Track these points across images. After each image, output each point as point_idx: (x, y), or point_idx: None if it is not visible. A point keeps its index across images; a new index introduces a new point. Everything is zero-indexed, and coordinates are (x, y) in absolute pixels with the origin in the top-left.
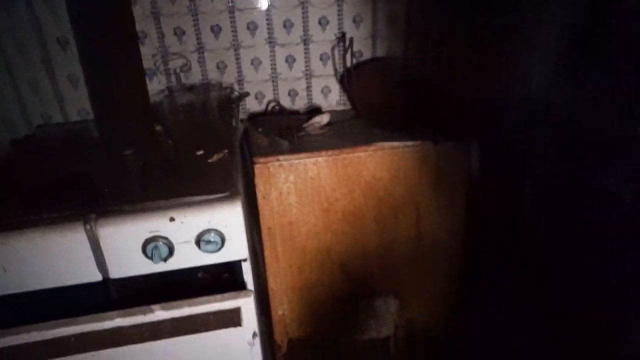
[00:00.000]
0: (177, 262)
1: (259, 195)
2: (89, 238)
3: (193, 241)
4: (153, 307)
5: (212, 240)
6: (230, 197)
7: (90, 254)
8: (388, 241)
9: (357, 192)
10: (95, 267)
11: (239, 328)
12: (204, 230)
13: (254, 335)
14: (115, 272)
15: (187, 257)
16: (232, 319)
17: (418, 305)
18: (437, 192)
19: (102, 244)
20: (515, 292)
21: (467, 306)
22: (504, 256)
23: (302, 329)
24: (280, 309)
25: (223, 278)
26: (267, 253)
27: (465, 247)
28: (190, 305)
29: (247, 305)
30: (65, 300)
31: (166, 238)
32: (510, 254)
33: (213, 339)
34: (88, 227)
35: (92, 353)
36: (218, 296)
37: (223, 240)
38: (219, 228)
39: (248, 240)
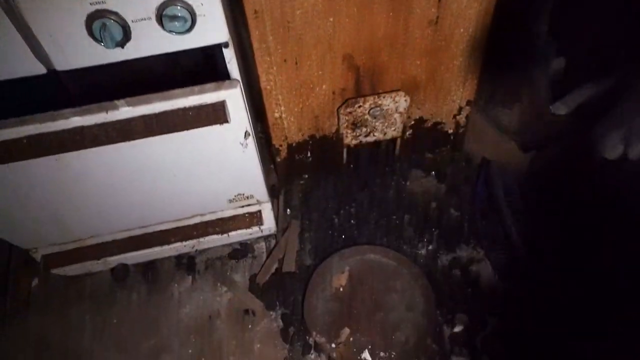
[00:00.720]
0: (138, 48)
1: None
2: (7, 13)
3: (153, 18)
4: (117, 102)
5: (178, 15)
6: None
7: (18, 37)
8: (401, 27)
9: None
10: (32, 54)
11: (226, 125)
12: (166, 2)
13: (246, 134)
14: (62, 63)
15: (150, 40)
16: (216, 114)
17: (429, 103)
18: None
19: (30, 22)
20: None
21: (482, 104)
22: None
23: (302, 132)
24: (277, 111)
25: (204, 72)
26: (256, 46)
27: (491, 35)
28: (162, 99)
29: (233, 98)
30: (11, 101)
31: (116, 13)
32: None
33: (198, 139)
34: None
35: (54, 157)
36: (196, 88)
37: (193, 17)
38: None
39: (227, 17)
